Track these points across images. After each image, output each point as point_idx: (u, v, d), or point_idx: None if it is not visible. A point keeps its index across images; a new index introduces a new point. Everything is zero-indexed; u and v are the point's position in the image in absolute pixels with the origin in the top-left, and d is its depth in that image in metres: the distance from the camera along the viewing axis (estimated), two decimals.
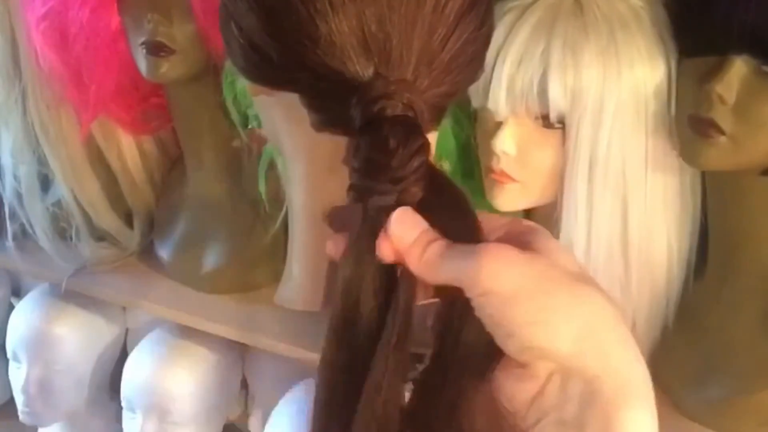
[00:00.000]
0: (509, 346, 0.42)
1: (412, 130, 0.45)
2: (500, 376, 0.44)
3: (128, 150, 1.28)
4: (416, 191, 0.45)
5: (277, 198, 1.11)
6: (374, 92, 0.45)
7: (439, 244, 0.44)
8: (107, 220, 1.27)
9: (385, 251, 0.44)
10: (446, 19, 0.46)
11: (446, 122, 0.94)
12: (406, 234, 0.44)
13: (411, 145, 0.44)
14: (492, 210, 0.94)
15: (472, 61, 0.48)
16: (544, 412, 0.43)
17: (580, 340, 0.41)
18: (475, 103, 0.89)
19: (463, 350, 0.43)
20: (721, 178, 0.88)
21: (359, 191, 0.45)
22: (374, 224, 0.45)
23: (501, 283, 0.41)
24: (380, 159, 0.44)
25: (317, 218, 0.51)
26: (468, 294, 0.42)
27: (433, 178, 0.46)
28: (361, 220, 0.45)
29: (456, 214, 0.45)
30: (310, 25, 0.45)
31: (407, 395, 0.45)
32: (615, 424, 0.40)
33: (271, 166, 1.07)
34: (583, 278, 0.43)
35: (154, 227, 1.30)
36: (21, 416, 1.41)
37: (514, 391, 0.44)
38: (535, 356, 0.42)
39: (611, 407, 0.41)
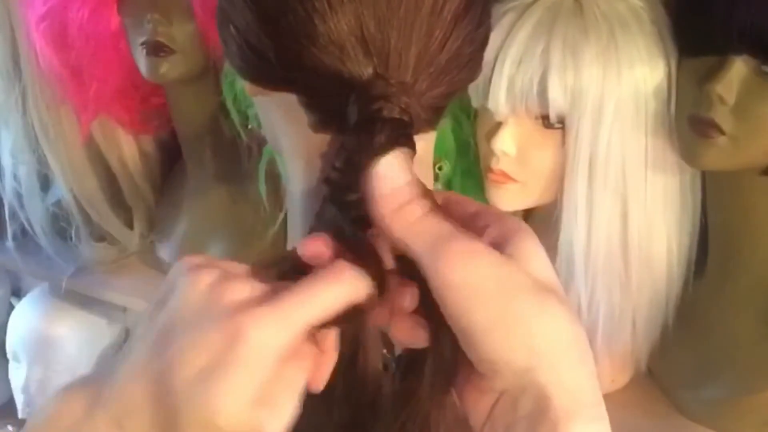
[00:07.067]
0: (470, 355, 0.41)
1: (402, 135, 0.44)
2: (464, 387, 0.43)
3: (128, 150, 1.28)
4: None
5: (277, 198, 1.11)
6: (374, 91, 0.45)
7: (422, 205, 0.42)
8: (107, 220, 1.27)
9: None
10: (444, 21, 0.46)
11: (446, 122, 0.94)
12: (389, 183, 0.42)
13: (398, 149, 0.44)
14: None
15: (470, 61, 0.48)
16: (494, 429, 0.41)
17: (534, 355, 0.40)
18: (475, 103, 0.89)
19: (433, 361, 0.43)
20: (721, 178, 0.88)
21: (334, 187, 0.45)
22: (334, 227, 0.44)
23: (460, 277, 0.40)
24: (362, 159, 0.43)
25: None
26: (430, 285, 0.41)
27: None
28: (316, 219, 0.45)
29: None
30: (308, 24, 0.45)
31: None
32: None
33: (271, 166, 1.07)
34: (550, 289, 0.41)
35: (154, 227, 1.30)
36: (21, 416, 1.41)
37: (475, 402, 0.42)
38: (491, 369, 0.40)
39: (560, 427, 0.39)
